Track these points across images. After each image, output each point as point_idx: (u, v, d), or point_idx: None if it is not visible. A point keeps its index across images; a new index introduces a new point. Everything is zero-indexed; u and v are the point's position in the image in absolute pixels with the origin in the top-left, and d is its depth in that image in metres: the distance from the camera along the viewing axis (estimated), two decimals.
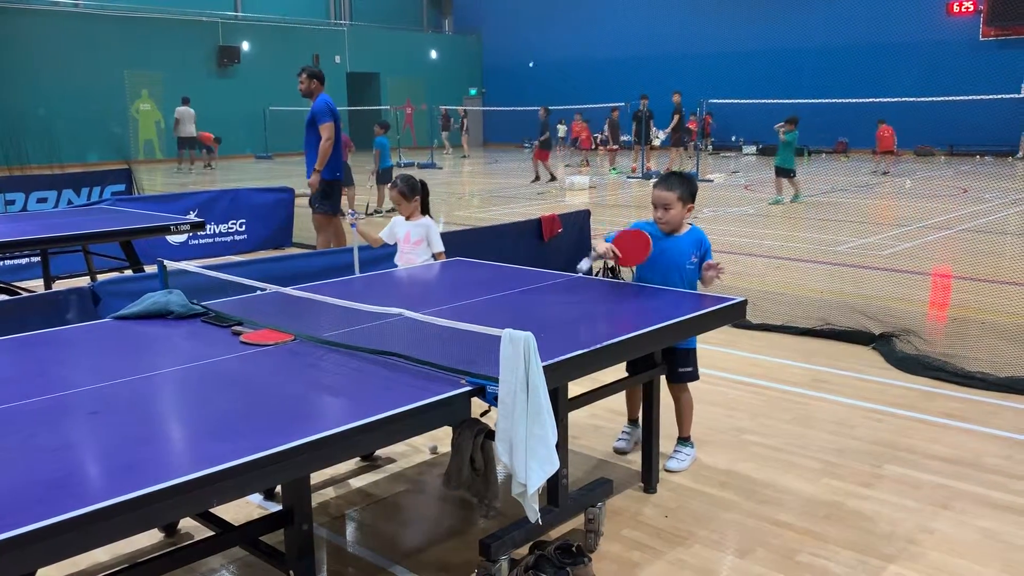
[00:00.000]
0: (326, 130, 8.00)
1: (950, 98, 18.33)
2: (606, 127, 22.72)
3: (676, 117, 20.73)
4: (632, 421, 4.50)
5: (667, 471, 4.07)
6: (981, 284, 7.85)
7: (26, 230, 6.13)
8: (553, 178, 19.36)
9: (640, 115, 20.78)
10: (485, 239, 6.71)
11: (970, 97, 18.12)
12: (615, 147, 22.41)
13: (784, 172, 14.78)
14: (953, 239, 10.76)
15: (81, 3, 26.50)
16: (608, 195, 16.83)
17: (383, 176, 14.23)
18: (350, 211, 4.58)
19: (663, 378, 3.96)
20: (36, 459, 2.08)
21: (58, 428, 2.31)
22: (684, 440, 4.22)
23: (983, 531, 3.46)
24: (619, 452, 4.37)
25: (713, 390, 5.17)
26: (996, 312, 6.76)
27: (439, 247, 5.01)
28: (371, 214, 14.00)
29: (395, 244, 5.09)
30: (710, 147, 27.91)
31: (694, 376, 4.14)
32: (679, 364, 4.05)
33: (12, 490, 1.91)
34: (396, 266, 4.98)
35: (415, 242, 4.97)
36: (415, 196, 5.02)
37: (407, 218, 5.04)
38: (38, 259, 7.00)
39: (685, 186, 4.00)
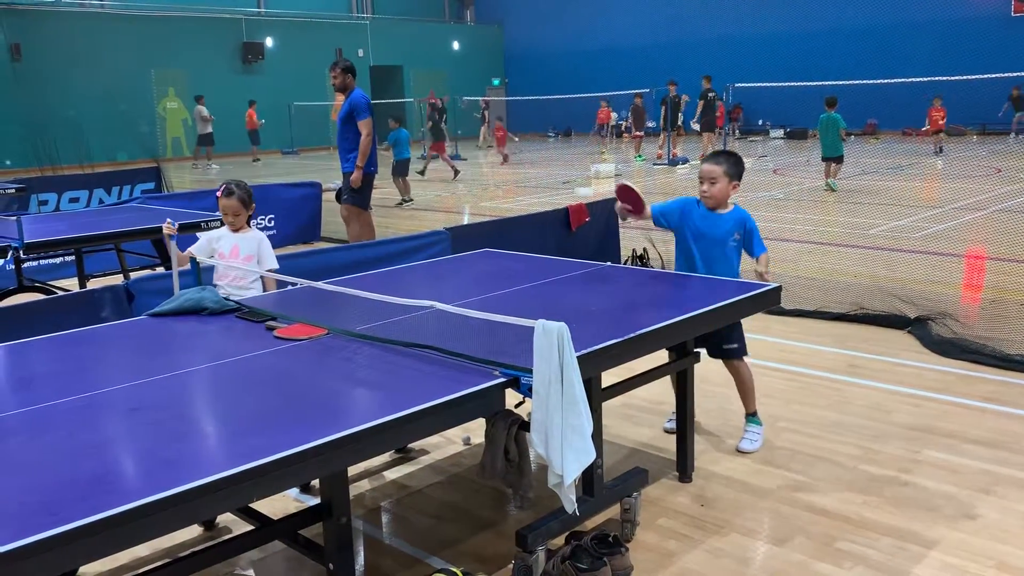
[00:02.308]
0: (366, 126, 8.06)
1: (982, 76, 17.95)
2: (630, 114, 22.51)
3: (701, 103, 20.47)
4: None
5: (739, 451, 4.09)
6: (1018, 265, 7.70)
7: (60, 230, 6.22)
8: (455, 172, 18.56)
9: (668, 101, 20.57)
10: (512, 229, 6.70)
11: (1003, 75, 17.73)
12: (639, 134, 22.25)
13: (828, 158, 14.14)
14: (988, 220, 10.56)
15: (107, 4, 26.75)
16: (635, 182, 16.67)
17: (399, 168, 14.33)
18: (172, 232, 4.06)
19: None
20: (77, 457, 2.10)
21: (98, 426, 2.34)
22: (751, 417, 4.20)
23: None
24: (668, 432, 4.30)
25: None
26: None
27: (273, 262, 4.27)
28: (397, 205, 14.14)
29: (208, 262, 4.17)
30: (737, 132, 27.60)
31: (742, 351, 4.12)
32: (723, 340, 4.04)
33: (55, 487, 1.93)
34: (217, 287, 4.03)
35: (246, 258, 4.21)
36: (253, 204, 4.35)
37: (235, 230, 4.29)
38: (72, 258, 7.08)
39: (732, 163, 4.07)
